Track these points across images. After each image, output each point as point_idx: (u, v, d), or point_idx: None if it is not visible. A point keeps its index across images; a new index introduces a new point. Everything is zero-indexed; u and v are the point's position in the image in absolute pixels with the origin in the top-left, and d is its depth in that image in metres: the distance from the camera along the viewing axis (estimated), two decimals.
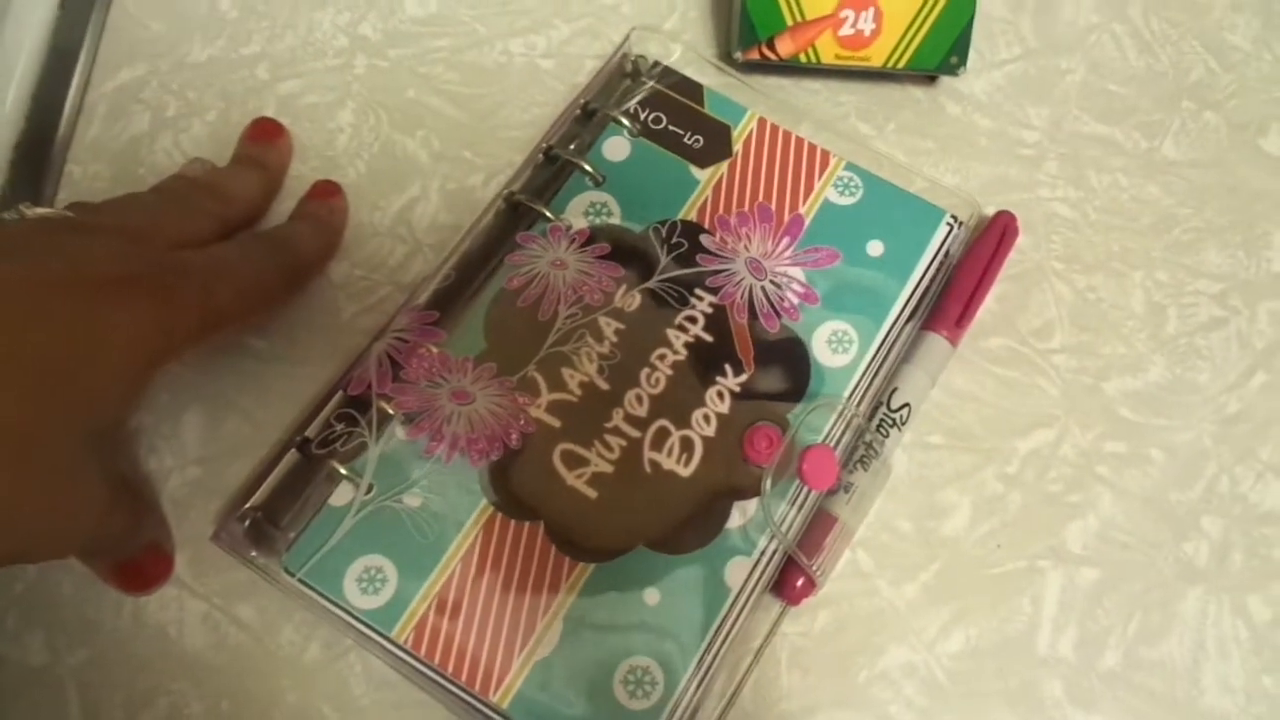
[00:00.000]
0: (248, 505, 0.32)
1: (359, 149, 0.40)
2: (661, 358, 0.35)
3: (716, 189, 0.38)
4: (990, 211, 0.39)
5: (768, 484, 0.33)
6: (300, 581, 0.32)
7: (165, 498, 0.34)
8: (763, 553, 0.33)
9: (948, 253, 0.37)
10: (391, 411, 0.33)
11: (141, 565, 0.33)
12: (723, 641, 0.32)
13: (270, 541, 0.32)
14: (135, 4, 0.42)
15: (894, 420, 0.36)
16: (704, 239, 0.37)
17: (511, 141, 0.40)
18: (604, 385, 0.34)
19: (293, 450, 0.33)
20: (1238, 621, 0.35)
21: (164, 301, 0.28)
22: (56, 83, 0.40)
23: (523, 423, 0.34)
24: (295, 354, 0.37)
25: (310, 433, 0.33)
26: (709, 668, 0.32)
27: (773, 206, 0.37)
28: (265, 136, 0.39)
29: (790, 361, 0.35)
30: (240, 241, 0.35)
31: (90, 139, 0.39)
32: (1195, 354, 0.38)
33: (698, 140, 0.38)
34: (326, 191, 0.38)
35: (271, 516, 0.33)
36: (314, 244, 0.37)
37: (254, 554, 0.32)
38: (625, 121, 0.38)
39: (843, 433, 0.35)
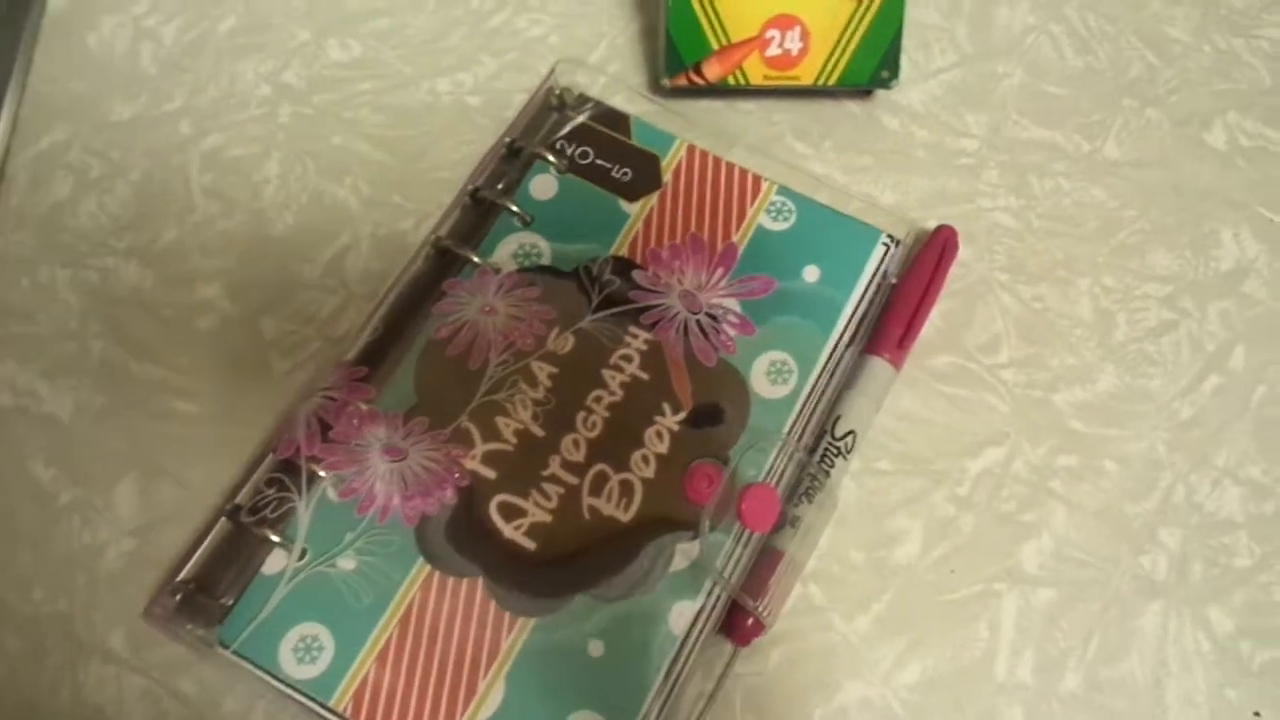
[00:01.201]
0: (178, 579, 0.32)
1: (287, 200, 0.39)
2: (598, 400, 0.34)
3: (647, 222, 0.37)
4: (931, 225, 0.38)
5: (706, 525, 0.32)
6: (235, 654, 0.31)
7: (100, 572, 0.34)
8: (709, 595, 0.32)
9: (885, 273, 0.37)
10: (322, 473, 0.33)
11: None
12: (671, 688, 0.31)
13: (206, 612, 0.32)
14: (55, 66, 0.41)
15: (839, 449, 0.35)
16: (636, 274, 0.36)
17: (441, 183, 0.39)
18: (540, 432, 0.34)
19: (224, 519, 0.33)
20: (1199, 634, 0.34)
21: None
22: None
23: (457, 476, 0.33)
24: (227, 414, 0.36)
25: (241, 499, 0.33)
26: (658, 717, 0.31)
27: (705, 236, 0.37)
28: None
29: (729, 395, 0.35)
30: None
31: (13, 207, 0.39)
32: (1146, 360, 0.38)
33: (626, 173, 0.37)
34: None
35: (206, 587, 0.32)
36: None
37: (189, 627, 0.32)
38: (551, 158, 0.37)
39: (786, 465, 0.34)
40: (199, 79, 0.41)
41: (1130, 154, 0.41)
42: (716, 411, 0.34)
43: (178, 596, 0.32)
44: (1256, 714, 0.33)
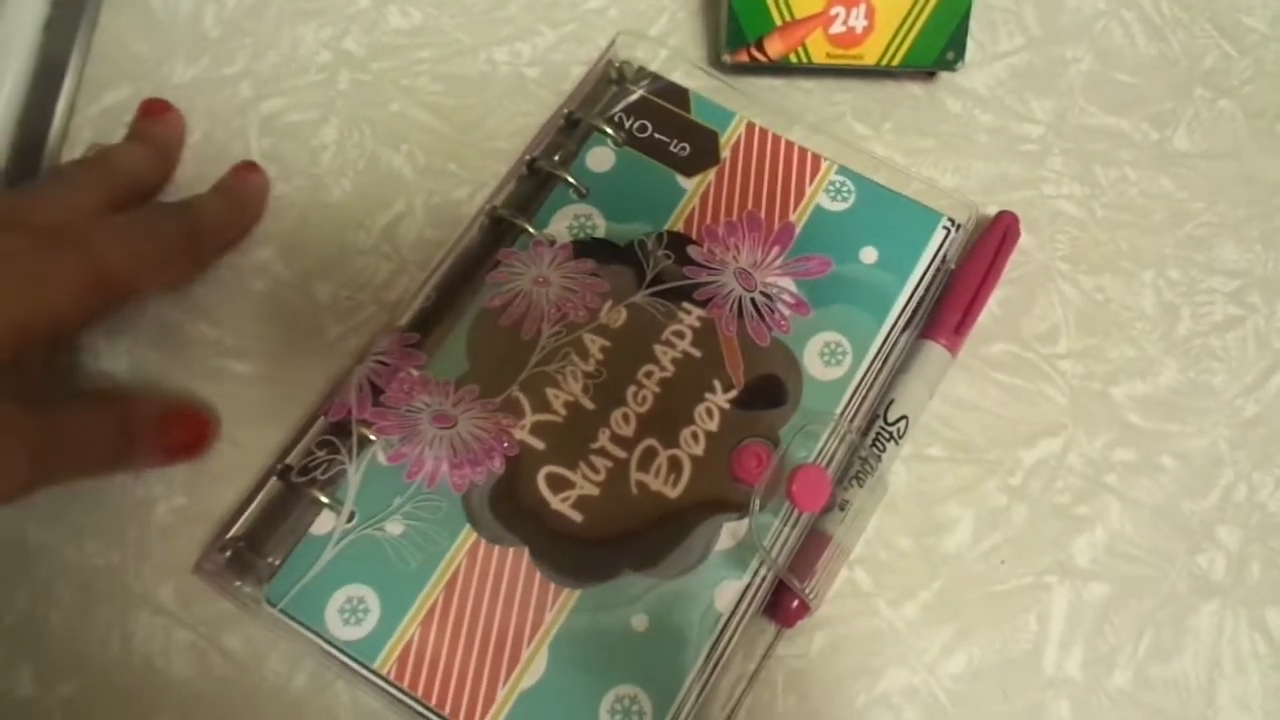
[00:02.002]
0: (229, 535, 0.32)
1: (343, 166, 0.39)
2: (649, 375, 0.34)
3: (704, 198, 0.36)
4: (992, 211, 0.38)
5: (756, 505, 0.32)
6: (282, 612, 0.31)
7: (152, 526, 0.34)
8: (754, 575, 0.32)
9: (945, 257, 0.36)
10: (372, 437, 0.33)
11: (166, 442, 0.34)
12: (714, 667, 0.31)
13: (255, 571, 0.32)
14: (119, 26, 0.41)
15: (891, 433, 0.34)
16: (691, 250, 0.36)
17: (497, 153, 0.39)
18: (590, 405, 0.34)
19: (274, 479, 0.33)
20: (1256, 636, 0.33)
21: (31, 279, 0.28)
22: (43, 106, 0.40)
23: (506, 446, 0.33)
24: (280, 376, 0.36)
25: (291, 460, 0.33)
26: (699, 695, 0.31)
27: (762, 214, 0.36)
28: (152, 112, 0.39)
29: (781, 375, 0.34)
30: (135, 209, 0.34)
31: None
32: (1210, 355, 0.37)
33: (684, 148, 0.37)
34: (243, 169, 0.38)
35: (255, 545, 0.32)
36: (219, 212, 0.37)
37: (237, 584, 0.32)
38: (609, 130, 0.37)
39: (836, 448, 0.34)
40: (260, 43, 0.41)
41: (1200, 145, 0.40)
42: (769, 391, 0.34)
43: (227, 553, 0.32)
44: None
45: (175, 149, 0.39)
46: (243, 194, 0.38)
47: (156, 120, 0.39)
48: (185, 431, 0.34)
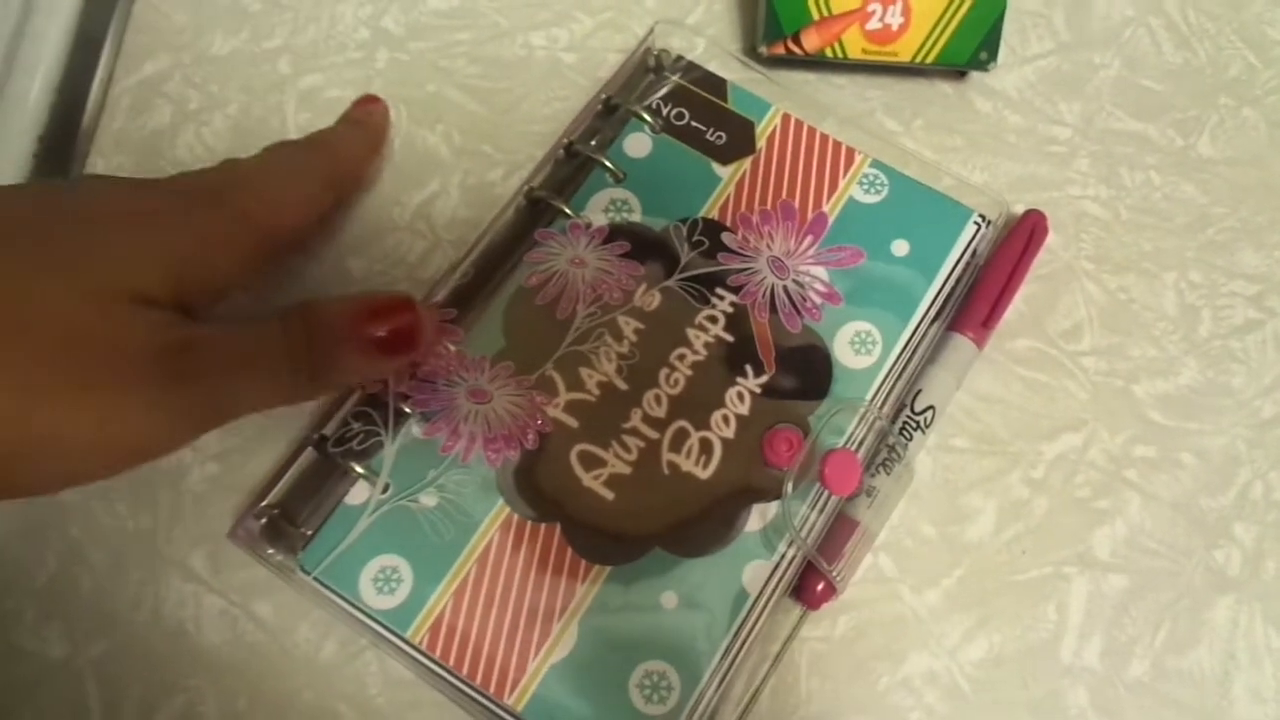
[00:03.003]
0: (264, 503, 0.32)
1: None
2: (681, 358, 0.35)
3: (739, 186, 0.37)
4: (1019, 210, 0.38)
5: (789, 488, 0.32)
6: (316, 580, 0.32)
7: (184, 492, 0.34)
8: (782, 556, 0.32)
9: (975, 252, 0.37)
10: (408, 410, 0.33)
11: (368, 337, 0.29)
12: (741, 646, 0.32)
13: (287, 539, 0.32)
14: None
15: (918, 423, 0.35)
16: (725, 237, 0.36)
17: (532, 136, 0.40)
18: (622, 385, 0.34)
19: (309, 448, 0.33)
20: (1270, 631, 0.34)
21: (187, 232, 0.28)
22: (81, 75, 0.40)
23: (540, 422, 0.33)
24: None
25: (327, 430, 0.33)
26: (726, 672, 0.31)
27: (796, 204, 0.37)
28: (365, 103, 0.39)
29: (812, 362, 0.35)
30: (269, 149, 0.34)
31: (114, 131, 0.39)
32: (1229, 357, 0.37)
33: (720, 136, 0.38)
34: (365, 101, 0.39)
35: (288, 514, 0.33)
36: (353, 142, 0.37)
37: (270, 551, 0.32)
38: (647, 117, 0.38)
39: (865, 435, 0.34)
40: (299, 18, 0.41)
41: (1224, 152, 0.40)
42: (800, 377, 0.34)
43: (263, 520, 0.32)
44: None
45: (384, 137, 0.39)
46: (369, 123, 0.38)
47: (369, 109, 0.39)
48: (394, 318, 0.30)
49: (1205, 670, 0.33)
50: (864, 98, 0.41)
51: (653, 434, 0.34)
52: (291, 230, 0.32)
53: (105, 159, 0.39)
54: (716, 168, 0.37)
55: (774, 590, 0.32)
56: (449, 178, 0.39)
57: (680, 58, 0.40)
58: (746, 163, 0.37)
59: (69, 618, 0.33)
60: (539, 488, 0.33)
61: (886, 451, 0.34)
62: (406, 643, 0.31)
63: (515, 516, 0.32)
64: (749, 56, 0.40)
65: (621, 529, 0.33)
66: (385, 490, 0.32)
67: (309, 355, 0.29)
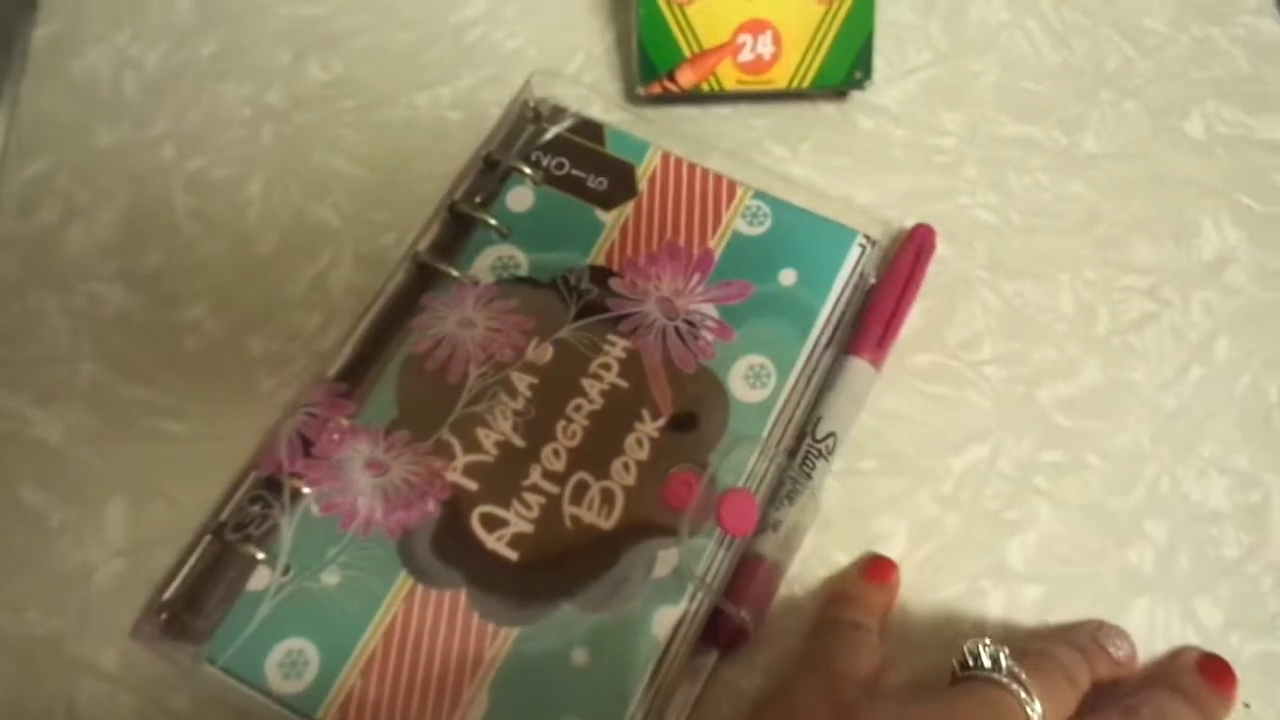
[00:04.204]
0: (165, 598, 0.32)
1: (270, 219, 0.40)
2: (578, 409, 0.35)
3: (624, 230, 0.37)
4: (910, 225, 0.39)
5: (685, 532, 0.32)
6: (223, 670, 0.31)
7: (92, 592, 0.34)
8: (692, 601, 0.32)
9: (863, 274, 0.37)
10: (305, 489, 0.33)
11: None
12: (655, 695, 0.31)
13: (193, 631, 0.32)
14: (40, 95, 0.42)
15: (820, 450, 0.35)
16: (613, 283, 0.36)
17: (422, 198, 0.40)
18: (520, 442, 0.34)
19: (208, 537, 0.33)
20: (1188, 627, 0.34)
21: None
22: None
23: (439, 488, 0.33)
24: (215, 432, 0.36)
25: (224, 517, 0.33)
26: None
27: (681, 243, 0.37)
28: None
29: (708, 400, 0.35)
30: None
31: (2, 234, 0.39)
32: (1129, 352, 0.37)
33: (601, 182, 0.38)
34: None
35: (192, 605, 0.32)
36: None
37: (176, 646, 0.32)
38: (527, 170, 0.38)
39: (766, 469, 0.34)
40: (181, 103, 0.42)
41: (1109, 146, 0.40)
42: (696, 417, 0.34)
43: (164, 615, 0.32)
44: (1246, 705, 0.33)
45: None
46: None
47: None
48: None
49: None
50: (749, 126, 0.41)
51: (553, 489, 0.34)
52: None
53: None
54: (600, 214, 0.37)
55: (685, 636, 0.32)
56: (341, 247, 0.39)
57: (558, 107, 0.40)
58: (629, 206, 0.37)
59: None
60: (441, 556, 0.33)
61: (790, 483, 0.34)
62: None
63: (419, 587, 0.32)
64: (629, 99, 0.41)
65: (527, 589, 0.32)
66: (286, 572, 0.32)
67: None
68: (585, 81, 0.41)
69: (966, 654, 0.30)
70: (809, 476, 0.34)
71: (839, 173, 0.40)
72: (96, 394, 0.37)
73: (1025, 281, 0.38)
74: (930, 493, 0.36)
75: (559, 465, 0.34)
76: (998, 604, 0.34)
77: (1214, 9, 0.43)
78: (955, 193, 0.40)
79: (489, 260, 0.37)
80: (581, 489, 0.34)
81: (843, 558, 0.35)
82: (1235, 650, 0.33)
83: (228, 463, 0.36)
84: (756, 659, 0.34)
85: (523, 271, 0.36)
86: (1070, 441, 0.36)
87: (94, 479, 0.36)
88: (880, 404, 0.37)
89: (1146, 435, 0.36)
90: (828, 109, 0.41)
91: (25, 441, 0.36)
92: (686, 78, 0.39)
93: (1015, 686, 0.28)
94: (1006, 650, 0.30)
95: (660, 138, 0.39)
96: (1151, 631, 0.34)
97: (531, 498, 0.33)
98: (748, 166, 0.38)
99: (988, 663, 0.29)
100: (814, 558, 0.35)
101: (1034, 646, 0.31)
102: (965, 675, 0.30)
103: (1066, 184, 0.40)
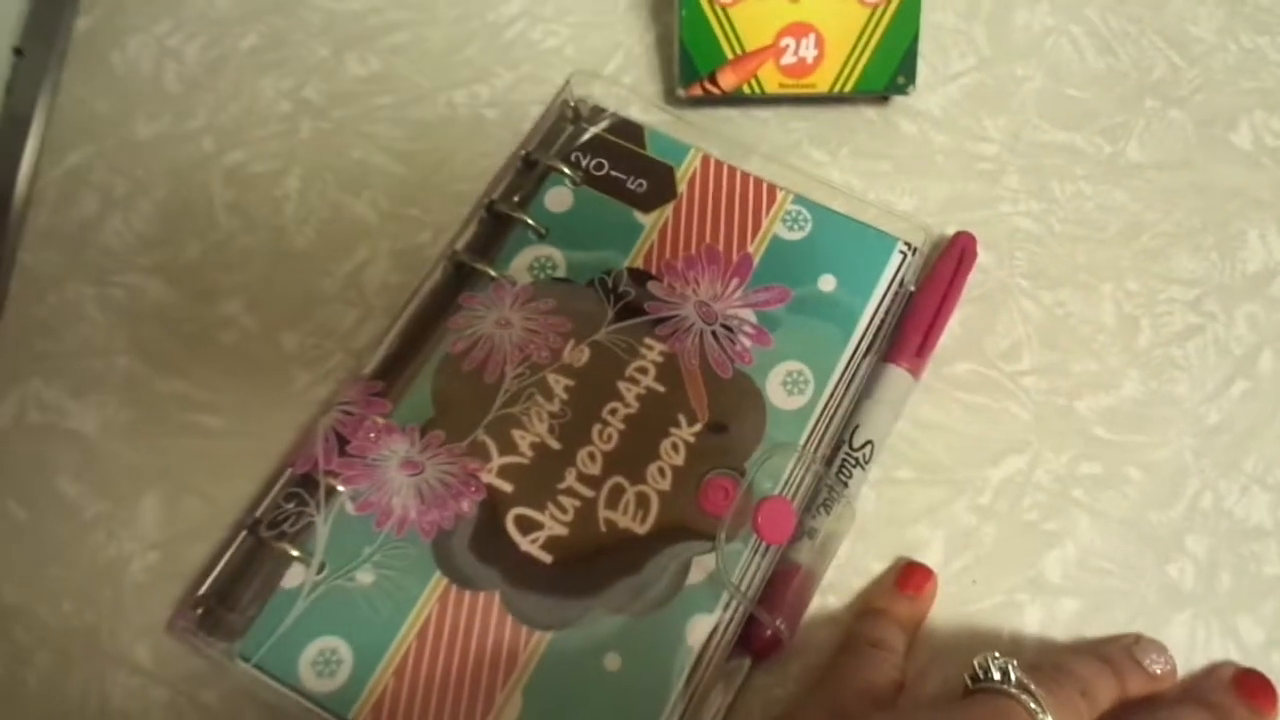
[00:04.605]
0: (200, 593, 0.32)
1: (307, 214, 0.40)
2: (613, 412, 0.34)
3: (662, 233, 0.37)
4: (950, 232, 0.38)
5: (722, 538, 0.32)
6: (256, 668, 0.31)
7: (126, 585, 0.34)
8: (726, 608, 0.32)
9: (902, 282, 0.36)
10: (340, 488, 0.33)
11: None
12: (688, 703, 0.31)
13: (227, 626, 0.32)
14: (81, 86, 0.42)
15: (857, 459, 0.35)
16: (651, 286, 0.36)
17: (459, 196, 0.40)
18: (556, 445, 0.34)
19: (244, 533, 0.33)
20: (1229, 644, 0.34)
21: None
22: (6, 172, 0.40)
23: (474, 489, 0.33)
24: (250, 429, 0.36)
25: (260, 514, 0.33)
26: None
27: (720, 247, 0.36)
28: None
29: (745, 407, 0.34)
30: None
31: (41, 226, 0.39)
32: (1171, 365, 0.37)
33: (641, 184, 0.37)
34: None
35: (227, 601, 0.32)
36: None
37: (210, 641, 0.32)
38: (567, 170, 0.37)
39: (803, 476, 0.34)
40: (220, 97, 0.42)
41: (1153, 156, 0.40)
42: (733, 423, 0.34)
43: (199, 610, 0.32)
44: None
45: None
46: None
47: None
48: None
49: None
50: (788, 129, 0.41)
51: (588, 492, 0.33)
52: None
53: (34, 254, 0.39)
54: (639, 216, 0.37)
55: (719, 643, 0.32)
56: (378, 244, 0.39)
57: (598, 107, 0.40)
58: (669, 209, 0.37)
59: (13, 718, 0.33)
60: (476, 556, 0.33)
61: (826, 491, 0.34)
62: None
63: (453, 588, 0.32)
64: (669, 100, 0.40)
65: (561, 592, 0.32)
66: (321, 570, 0.32)
67: None
68: (624, 81, 0.41)
69: (977, 667, 0.30)
70: (845, 485, 0.34)
71: (879, 178, 0.40)
72: (132, 387, 0.37)
73: (1066, 291, 0.38)
74: (968, 503, 0.35)
75: (594, 469, 0.34)
76: (1035, 617, 0.34)
77: (1263, 18, 0.43)
78: (997, 200, 0.39)
79: (527, 260, 0.36)
80: (617, 493, 0.33)
81: (878, 566, 0.35)
82: (1277, 668, 0.33)
83: (262, 458, 0.36)
84: (790, 667, 0.33)
85: (560, 272, 0.36)
86: (1110, 454, 0.36)
87: (129, 472, 0.36)
88: (918, 413, 0.36)
89: (1188, 449, 0.36)
90: (869, 113, 0.41)
91: (62, 433, 0.36)
92: (728, 80, 0.39)
93: (1025, 697, 0.28)
94: (1015, 663, 0.29)
95: (699, 140, 0.39)
96: (1192, 648, 0.33)
97: (566, 501, 0.33)
98: (787, 170, 0.38)
99: (997, 675, 0.29)
100: (849, 567, 0.35)
101: (1050, 660, 0.31)
102: (976, 688, 0.30)
103: (1110, 193, 0.39)
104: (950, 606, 0.34)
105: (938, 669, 0.33)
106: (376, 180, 0.40)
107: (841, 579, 0.34)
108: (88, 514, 0.35)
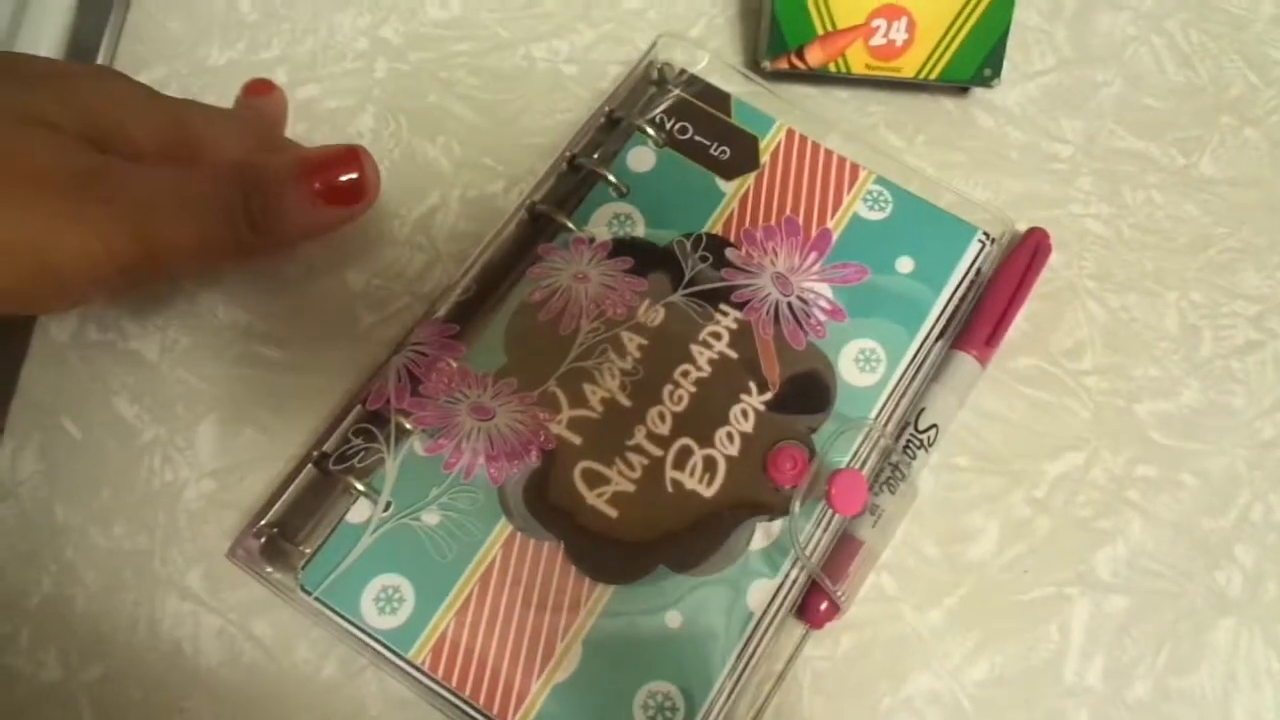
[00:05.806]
0: (264, 522, 0.32)
1: (379, 155, 0.39)
2: (685, 374, 0.34)
3: (743, 201, 0.37)
4: (1022, 228, 0.38)
5: (796, 506, 0.32)
6: (317, 600, 0.31)
7: (180, 511, 0.34)
8: (786, 575, 0.32)
9: (979, 270, 0.36)
10: (410, 426, 0.33)
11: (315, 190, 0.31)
12: (745, 666, 0.31)
13: (286, 558, 0.32)
14: (154, 5, 0.41)
15: (921, 441, 0.35)
16: (729, 253, 0.36)
17: (533, 149, 0.39)
18: (626, 402, 0.34)
19: (310, 465, 0.33)
20: (1270, 654, 0.34)
21: (101, 90, 0.29)
22: None
23: (543, 439, 0.33)
24: (311, 364, 0.36)
25: (328, 447, 0.33)
26: (731, 692, 0.31)
27: (800, 220, 0.37)
28: (256, 93, 0.39)
29: (816, 379, 0.35)
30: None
31: None
32: (1230, 378, 0.37)
33: (724, 151, 0.37)
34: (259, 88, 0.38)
35: (288, 533, 0.32)
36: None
37: (270, 570, 0.32)
38: (650, 131, 0.37)
39: (869, 454, 0.34)
40: (296, 28, 0.41)
41: (1226, 171, 0.40)
42: (804, 394, 0.34)
43: (262, 539, 0.32)
44: None
45: (276, 128, 0.38)
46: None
47: (263, 99, 0.38)
48: (339, 169, 0.31)
49: (1206, 692, 0.34)
50: (866, 112, 0.41)
51: (657, 451, 0.33)
52: (203, 124, 0.32)
53: None
54: (720, 183, 0.37)
55: (778, 609, 0.32)
56: (449, 190, 0.39)
57: (683, 71, 0.39)
58: (750, 178, 0.37)
59: (63, 640, 0.32)
60: (543, 506, 0.33)
61: (890, 470, 0.34)
62: (408, 663, 0.31)
63: (518, 535, 0.32)
64: (752, 71, 0.40)
65: (625, 548, 0.32)
66: (387, 508, 0.32)
67: (246, 202, 0.29)
68: (708, 48, 0.41)
69: None
70: (909, 465, 0.34)
71: (953, 168, 0.40)
72: (193, 313, 0.37)
73: (1132, 296, 0.38)
74: (1023, 495, 0.36)
75: (663, 429, 0.34)
76: (1083, 611, 0.34)
77: None
78: (1068, 200, 0.40)
79: (606, 217, 0.36)
80: (684, 454, 0.33)
81: (933, 551, 0.35)
82: None
83: (322, 394, 0.35)
84: (841, 640, 0.34)
85: (639, 232, 0.36)
86: (1166, 458, 0.36)
87: (187, 398, 0.35)
88: (980, 403, 0.37)
89: (1242, 461, 0.36)
90: (947, 103, 0.41)
91: (120, 353, 0.36)
92: (815, 56, 0.39)
93: None
94: None
95: (779, 113, 0.39)
96: (1234, 653, 0.34)
97: (634, 458, 0.33)
98: (867, 151, 0.38)
99: None
100: (904, 548, 0.35)
101: None
102: None
103: (1180, 204, 0.40)
104: (1001, 595, 0.34)
105: (986, 654, 0.34)
106: (451, 126, 0.40)
107: (896, 559, 0.35)
108: (144, 437, 0.35)
